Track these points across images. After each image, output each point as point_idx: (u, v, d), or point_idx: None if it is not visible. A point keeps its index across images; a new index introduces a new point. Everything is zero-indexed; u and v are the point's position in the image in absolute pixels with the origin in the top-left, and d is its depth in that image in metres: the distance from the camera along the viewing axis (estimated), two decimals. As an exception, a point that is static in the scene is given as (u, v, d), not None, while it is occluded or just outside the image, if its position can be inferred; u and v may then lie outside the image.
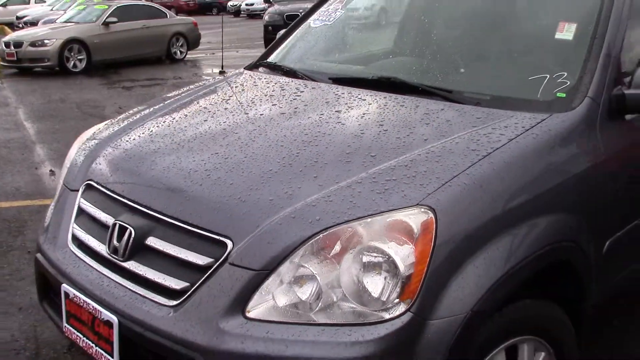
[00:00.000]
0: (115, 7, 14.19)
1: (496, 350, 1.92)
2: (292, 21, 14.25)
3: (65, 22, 14.18)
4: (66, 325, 2.15)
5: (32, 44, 12.74)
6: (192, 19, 16.12)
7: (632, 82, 2.30)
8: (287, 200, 1.86)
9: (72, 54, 12.98)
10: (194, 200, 1.97)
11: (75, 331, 2.11)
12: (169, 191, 2.04)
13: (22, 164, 6.17)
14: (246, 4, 35.45)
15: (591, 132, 2.23)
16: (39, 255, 2.35)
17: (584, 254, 2.18)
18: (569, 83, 2.29)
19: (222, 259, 1.81)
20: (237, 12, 37.18)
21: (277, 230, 1.79)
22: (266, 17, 15.85)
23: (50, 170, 5.96)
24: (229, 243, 1.82)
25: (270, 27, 15.57)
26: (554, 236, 2.02)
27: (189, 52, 15.39)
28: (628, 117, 2.37)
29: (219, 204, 1.92)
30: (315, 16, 3.32)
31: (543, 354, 2.08)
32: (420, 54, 2.87)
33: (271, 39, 15.67)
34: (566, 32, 2.45)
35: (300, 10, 15.35)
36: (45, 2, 24.67)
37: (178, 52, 15.09)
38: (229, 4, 40.10)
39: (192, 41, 15.51)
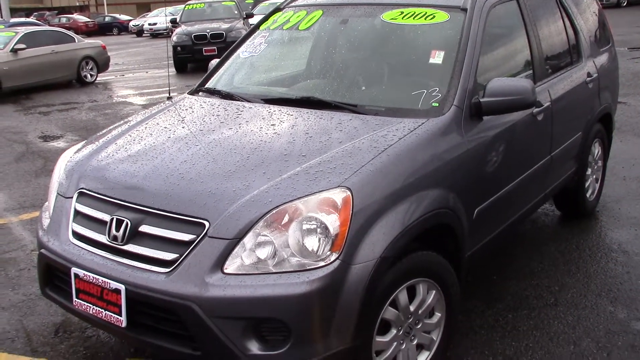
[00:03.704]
0: (23, 33, 14.30)
1: (400, 288, 2.70)
2: (200, 41, 14.78)
3: (-30, 50, 14.16)
4: (76, 299, 2.77)
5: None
6: (100, 42, 16.36)
7: (485, 92, 3.17)
8: (246, 190, 2.59)
9: (-19, 81, 13.05)
10: (175, 195, 2.65)
11: (84, 303, 2.73)
12: (154, 191, 2.71)
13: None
14: (149, 24, 35.48)
15: (458, 130, 3.08)
16: (43, 251, 2.95)
17: (459, 219, 3.02)
18: (440, 95, 3.14)
19: (202, 234, 2.51)
20: (139, 32, 37.16)
21: (241, 210, 2.51)
22: (174, 38, 16.30)
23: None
24: (207, 223, 2.52)
25: (179, 48, 16.08)
26: (435, 205, 2.84)
27: (99, 74, 15.66)
28: (485, 118, 3.24)
29: (195, 196, 2.61)
30: (243, 48, 4.07)
31: (434, 292, 2.89)
32: (331, 76, 3.66)
33: (180, 59, 16.32)
34: (437, 57, 3.32)
35: (207, 31, 16.04)
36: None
37: (88, 75, 15.33)
38: (131, 24, 39.99)
39: (102, 64, 15.78)
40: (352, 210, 2.50)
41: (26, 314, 3.78)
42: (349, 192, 2.52)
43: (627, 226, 4.73)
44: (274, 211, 2.48)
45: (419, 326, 2.85)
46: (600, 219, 4.94)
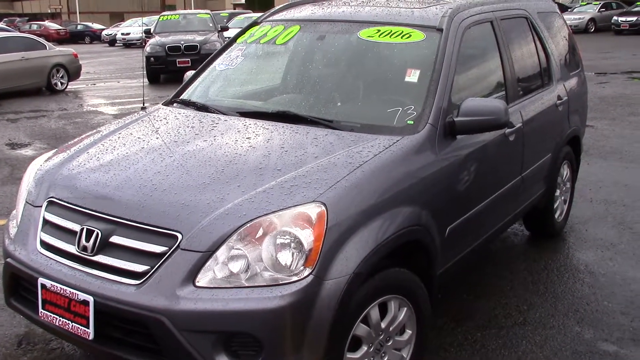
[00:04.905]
0: (-8, 39, 14.09)
1: (372, 305, 2.70)
2: (174, 52, 14.66)
3: (-62, 54, 13.88)
4: (42, 311, 2.70)
5: None
6: (72, 50, 16.17)
7: (459, 112, 3.21)
8: (220, 203, 2.57)
9: (-53, 86, 12.78)
10: (148, 206, 2.62)
11: (51, 314, 2.67)
12: (126, 201, 2.68)
13: None
14: (122, 34, 35.21)
15: (432, 148, 3.10)
16: (9, 260, 2.89)
17: (431, 236, 3.04)
18: (415, 114, 3.17)
19: (174, 247, 2.48)
20: (112, 41, 36.86)
21: (215, 223, 2.49)
22: (148, 49, 16.18)
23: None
24: (179, 235, 2.49)
25: (152, 58, 15.96)
26: (408, 222, 2.85)
27: (69, 83, 15.45)
28: (459, 137, 3.28)
29: (168, 208, 2.59)
30: (219, 61, 4.06)
31: (405, 308, 2.89)
32: (307, 91, 3.67)
33: (153, 70, 16.18)
34: (412, 76, 3.35)
35: (182, 42, 15.98)
36: None
37: (59, 83, 15.11)
38: (104, 33, 39.63)
39: (73, 72, 15.57)
40: (327, 226, 2.49)
41: (-13, 325, 3.68)
42: (323, 207, 2.52)
43: (594, 248, 4.81)
44: (248, 225, 2.47)
45: (389, 343, 2.85)
46: (567, 240, 5.01)
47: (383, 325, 2.78)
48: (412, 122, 3.14)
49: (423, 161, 3.05)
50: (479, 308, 3.88)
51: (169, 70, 16.00)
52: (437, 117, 3.16)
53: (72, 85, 15.70)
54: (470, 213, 3.43)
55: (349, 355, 2.66)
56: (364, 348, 2.72)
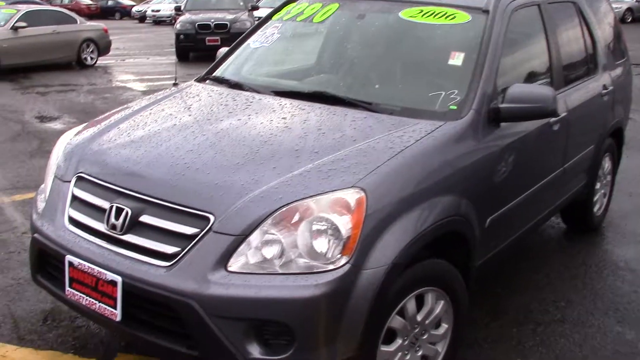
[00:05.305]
0: (25, 11, 14.10)
1: (409, 297, 2.59)
2: (203, 31, 14.53)
3: (-30, 26, 13.95)
4: (69, 289, 2.64)
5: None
6: (102, 25, 16.17)
7: (505, 98, 3.06)
8: (255, 185, 2.46)
9: (-21, 57, 12.85)
10: (180, 186, 2.52)
11: (78, 293, 2.60)
12: (157, 180, 2.59)
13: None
14: (152, 10, 35.19)
15: (475, 135, 2.96)
16: (37, 235, 2.82)
17: (471, 227, 2.90)
18: (458, 98, 3.03)
19: (207, 229, 2.38)
20: (142, 17, 36.85)
21: (249, 206, 2.38)
22: (178, 26, 16.13)
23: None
24: (212, 217, 2.39)
25: (182, 36, 15.93)
26: (448, 211, 2.72)
27: (99, 58, 15.45)
28: (503, 124, 3.12)
29: (201, 188, 2.49)
30: (254, 38, 3.94)
31: (442, 302, 2.77)
32: (345, 72, 3.53)
33: (183, 48, 16.10)
34: (456, 59, 3.20)
35: (212, 20, 15.88)
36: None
37: (89, 58, 15.11)
38: (134, 9, 39.62)
39: (103, 47, 15.57)
40: (366, 213, 2.38)
41: (14, 299, 3.64)
42: (363, 193, 2.40)
43: (634, 243, 4.63)
44: (284, 209, 2.36)
45: (425, 337, 2.73)
46: (606, 235, 4.84)
47: (419, 318, 2.66)
48: (456, 107, 3.00)
49: (465, 149, 2.91)
50: (514, 303, 3.74)
51: (198, 48, 15.92)
52: (482, 103, 3.01)
53: (102, 61, 15.69)
54: (512, 204, 3.28)
55: (383, 348, 2.55)
56: (399, 341, 2.62)
